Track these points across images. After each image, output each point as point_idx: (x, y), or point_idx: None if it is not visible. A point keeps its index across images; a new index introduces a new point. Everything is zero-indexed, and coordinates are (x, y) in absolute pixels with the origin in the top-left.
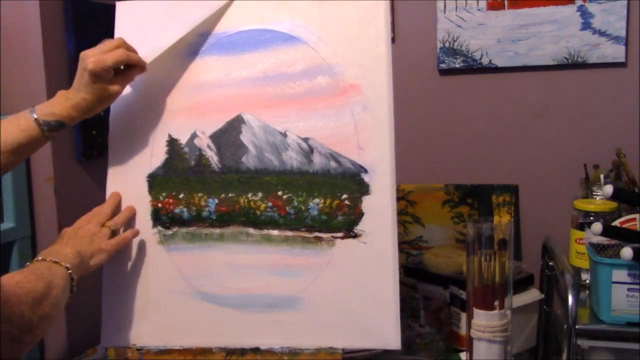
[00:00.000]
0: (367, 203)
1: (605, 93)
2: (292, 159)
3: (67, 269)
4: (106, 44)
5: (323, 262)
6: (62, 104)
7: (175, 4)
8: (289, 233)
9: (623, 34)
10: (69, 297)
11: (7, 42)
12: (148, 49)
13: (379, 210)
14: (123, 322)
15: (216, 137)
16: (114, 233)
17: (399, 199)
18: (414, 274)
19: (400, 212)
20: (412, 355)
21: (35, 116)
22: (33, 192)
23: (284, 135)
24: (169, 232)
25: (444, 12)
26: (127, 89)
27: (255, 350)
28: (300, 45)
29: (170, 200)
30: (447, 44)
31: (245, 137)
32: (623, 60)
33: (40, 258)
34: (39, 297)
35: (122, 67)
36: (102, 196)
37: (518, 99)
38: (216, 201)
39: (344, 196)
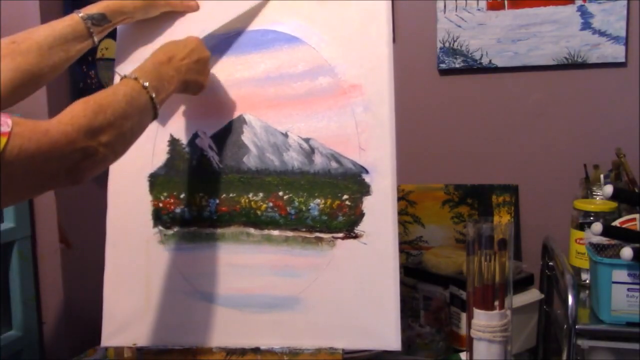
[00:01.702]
0: (367, 203)
1: (605, 93)
2: (293, 159)
3: (148, 93)
4: None
5: (323, 262)
6: (107, 2)
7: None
8: (290, 233)
9: (623, 34)
10: (151, 120)
11: None
12: (150, 49)
13: (380, 210)
14: (123, 322)
15: (217, 138)
16: None
17: (399, 199)
18: (414, 274)
19: (400, 212)
20: (412, 355)
21: (80, 14)
22: None
23: (285, 135)
24: (170, 232)
25: (444, 12)
26: None
27: (255, 350)
28: (301, 45)
29: (171, 200)
30: (447, 44)
31: (246, 138)
32: (623, 60)
33: (125, 75)
34: (96, 128)
35: None
36: (102, 196)
37: (518, 99)
38: (217, 201)
39: (345, 196)
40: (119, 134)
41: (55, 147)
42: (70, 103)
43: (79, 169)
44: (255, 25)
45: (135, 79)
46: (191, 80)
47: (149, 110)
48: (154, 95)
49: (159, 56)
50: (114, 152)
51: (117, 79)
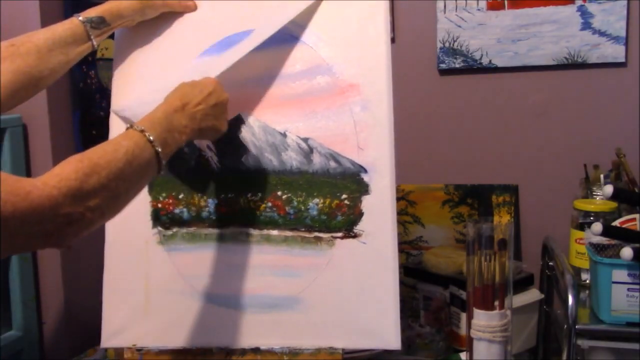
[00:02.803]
0: (366, 203)
1: (605, 93)
2: (292, 159)
3: (154, 147)
4: None
5: (323, 262)
6: (106, 5)
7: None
8: (289, 233)
9: (623, 34)
10: (155, 175)
11: None
12: (149, 50)
13: (379, 210)
14: (123, 322)
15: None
16: None
17: (399, 199)
18: (414, 274)
19: (400, 212)
20: (412, 355)
21: (80, 17)
22: None
23: (284, 135)
24: (169, 232)
25: (444, 12)
26: (127, 90)
27: (255, 350)
28: (299, 45)
29: (170, 201)
30: (447, 44)
31: (245, 138)
32: (623, 60)
33: (132, 125)
34: (87, 192)
35: None
36: None
37: (518, 99)
38: (216, 201)
39: (344, 196)
40: (112, 196)
41: (34, 212)
42: (70, 103)
43: (61, 235)
44: (253, 24)
45: (142, 131)
46: (207, 127)
47: (153, 166)
48: (159, 150)
49: (172, 102)
50: (103, 216)
51: (112, 117)
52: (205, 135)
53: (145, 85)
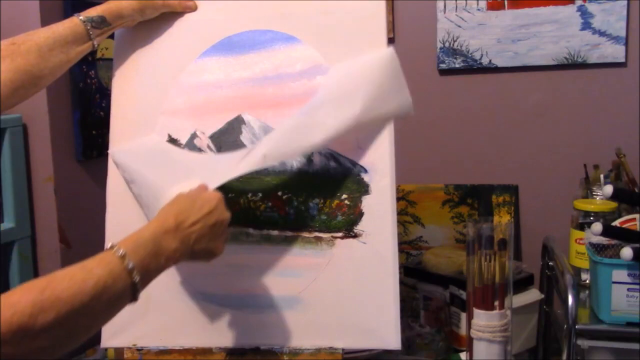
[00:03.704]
0: (366, 203)
1: (605, 93)
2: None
3: (131, 279)
4: None
5: (323, 262)
6: (107, 5)
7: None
8: (289, 233)
9: (623, 34)
10: (128, 304)
11: None
12: (149, 50)
13: (379, 210)
14: (123, 322)
15: (216, 138)
16: None
17: (399, 199)
18: (414, 274)
19: (400, 212)
20: (412, 355)
21: (80, 17)
22: (33, 192)
23: None
24: None
25: (444, 12)
26: (127, 90)
27: (255, 350)
28: (299, 45)
29: None
30: (447, 44)
31: (245, 138)
32: (623, 60)
33: (112, 246)
34: (38, 331)
35: None
36: (102, 196)
37: (518, 99)
38: None
39: (344, 196)
40: (68, 334)
41: None
42: (70, 103)
43: None
44: (253, 25)
45: (122, 256)
46: (201, 249)
47: (126, 297)
48: (137, 280)
49: (165, 220)
50: (51, 355)
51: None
52: (197, 257)
53: (143, 117)
